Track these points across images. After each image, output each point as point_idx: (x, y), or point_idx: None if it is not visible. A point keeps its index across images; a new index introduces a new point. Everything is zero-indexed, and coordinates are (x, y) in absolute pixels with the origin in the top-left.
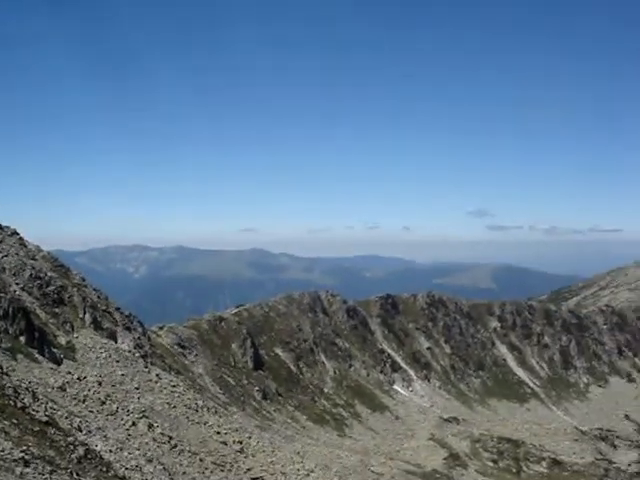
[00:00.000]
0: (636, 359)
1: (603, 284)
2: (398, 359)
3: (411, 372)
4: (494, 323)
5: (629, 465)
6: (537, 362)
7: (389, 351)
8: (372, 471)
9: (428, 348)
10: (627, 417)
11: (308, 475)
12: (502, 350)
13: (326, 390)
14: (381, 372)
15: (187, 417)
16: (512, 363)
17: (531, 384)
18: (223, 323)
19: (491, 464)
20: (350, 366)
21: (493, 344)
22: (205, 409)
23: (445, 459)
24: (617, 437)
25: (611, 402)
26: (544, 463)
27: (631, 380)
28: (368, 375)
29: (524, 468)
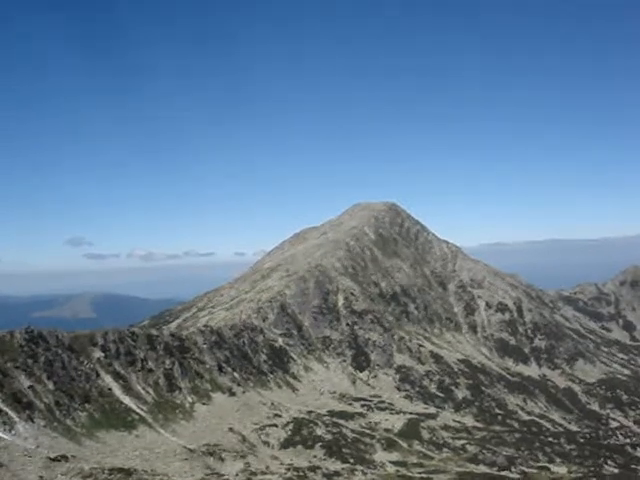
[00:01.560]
0: (235, 374)
1: (201, 305)
2: None
3: (13, 414)
4: (97, 353)
5: (236, 475)
6: (143, 388)
7: None
8: None
9: (30, 386)
10: (231, 429)
11: None
12: (107, 380)
13: None
14: None
15: None
16: (118, 392)
17: (138, 410)
18: None
19: None
20: None
21: (98, 375)
22: None
23: None
24: (224, 450)
25: (216, 417)
26: None
27: (232, 394)
28: None
29: None
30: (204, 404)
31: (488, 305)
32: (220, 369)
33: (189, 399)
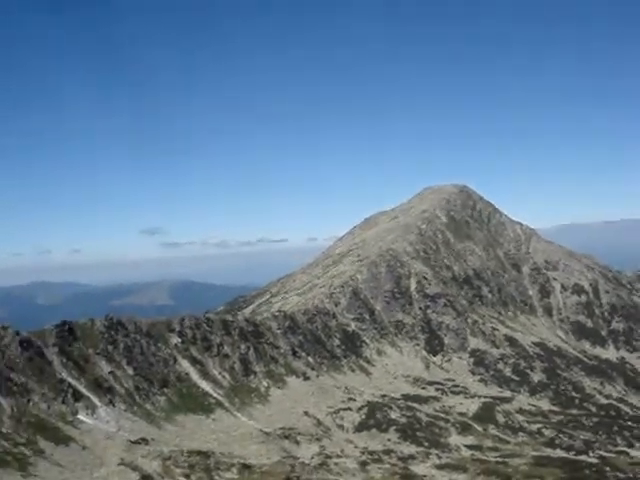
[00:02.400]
0: (309, 358)
1: (274, 291)
2: (80, 387)
3: (94, 399)
4: (174, 339)
5: (312, 458)
6: (219, 372)
7: (69, 380)
8: None
9: (110, 372)
10: (306, 413)
11: None
12: (184, 365)
13: (4, 430)
14: (63, 403)
15: None
16: (195, 376)
17: (215, 394)
18: None
19: (184, 479)
20: (29, 401)
21: (175, 360)
22: None
23: None
24: (299, 434)
25: (290, 401)
26: (234, 469)
27: (306, 378)
28: (49, 408)
29: (215, 477)
30: (279, 388)
31: (563, 287)
32: (294, 353)
33: (264, 383)
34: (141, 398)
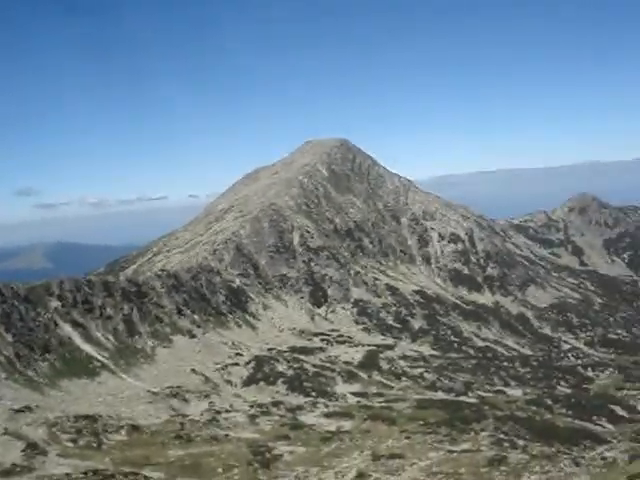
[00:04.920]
0: (195, 316)
1: (156, 250)
2: None
3: None
4: (55, 303)
5: (201, 414)
6: (102, 334)
7: None
8: None
9: None
10: (193, 371)
11: None
12: (66, 329)
13: None
14: None
15: None
16: (78, 340)
17: (99, 357)
18: None
19: (71, 444)
20: None
21: (56, 324)
22: None
23: (23, 450)
24: (187, 391)
25: (177, 360)
26: (123, 431)
27: (193, 336)
28: None
29: (104, 440)
30: (165, 347)
31: (441, 236)
32: (179, 312)
33: (150, 343)
34: (22, 365)
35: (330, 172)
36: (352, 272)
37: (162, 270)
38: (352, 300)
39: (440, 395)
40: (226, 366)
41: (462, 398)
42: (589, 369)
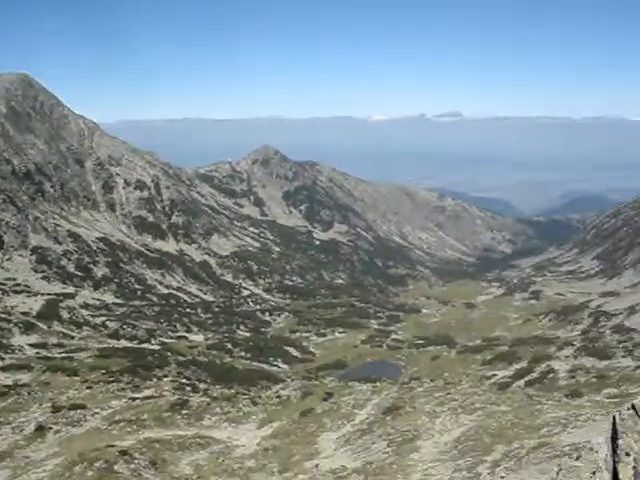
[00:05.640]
0: None
1: None
2: None
3: None
4: None
5: None
6: None
7: None
8: None
9: None
10: None
11: None
12: None
13: None
14: None
15: None
16: None
17: None
18: None
19: None
20: None
21: None
22: None
23: None
24: None
25: None
26: None
27: None
28: None
29: None
30: None
31: (126, 183)
32: None
33: None
34: None
35: (9, 109)
36: (31, 217)
37: None
38: (30, 247)
39: (123, 343)
40: None
41: (145, 345)
42: (267, 314)
